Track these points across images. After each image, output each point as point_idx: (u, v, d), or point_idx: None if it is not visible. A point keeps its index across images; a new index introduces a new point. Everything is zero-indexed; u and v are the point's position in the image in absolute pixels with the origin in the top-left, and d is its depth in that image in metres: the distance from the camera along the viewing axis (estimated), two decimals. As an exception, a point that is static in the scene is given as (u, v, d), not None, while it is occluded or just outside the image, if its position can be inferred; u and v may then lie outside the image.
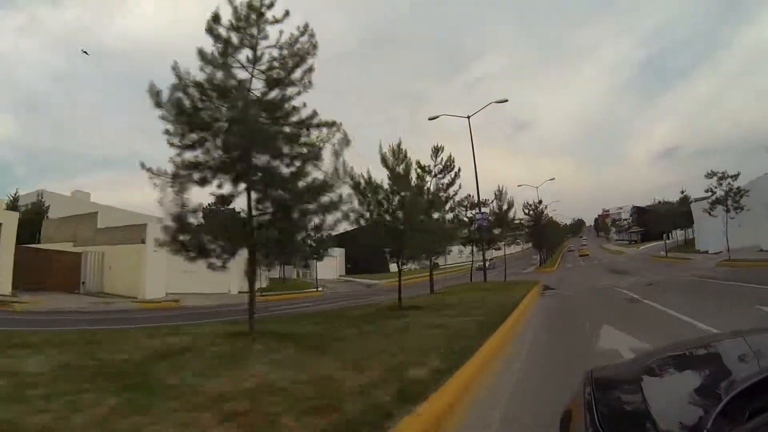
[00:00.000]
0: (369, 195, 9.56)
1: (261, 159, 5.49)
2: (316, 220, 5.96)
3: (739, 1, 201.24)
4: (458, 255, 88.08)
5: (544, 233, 37.50)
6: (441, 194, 14.43)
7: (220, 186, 5.55)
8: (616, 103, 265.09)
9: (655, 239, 59.67)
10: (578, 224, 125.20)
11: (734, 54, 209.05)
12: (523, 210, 36.22)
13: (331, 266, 42.26)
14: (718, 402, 0.83)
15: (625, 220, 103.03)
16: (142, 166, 5.30)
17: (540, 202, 37.00)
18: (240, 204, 5.74)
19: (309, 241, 7.69)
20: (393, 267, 40.64)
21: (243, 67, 6.01)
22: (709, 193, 22.47)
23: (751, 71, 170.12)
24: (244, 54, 6.04)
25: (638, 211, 77.38)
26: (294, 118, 6.06)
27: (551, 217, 42.83)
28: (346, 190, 6.56)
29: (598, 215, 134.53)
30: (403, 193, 9.71)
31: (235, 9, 5.88)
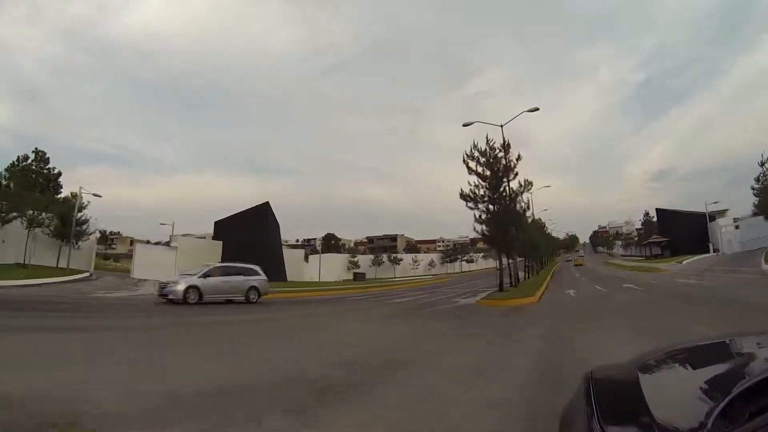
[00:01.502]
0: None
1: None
2: None
3: (737, 31, 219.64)
4: (411, 267, 72.09)
5: (510, 217, 19.23)
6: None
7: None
8: (611, 124, 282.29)
9: (687, 252, 49.54)
10: (572, 239, 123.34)
11: (730, 82, 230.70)
12: (466, 160, 19.00)
13: (166, 260, 33.18)
14: (719, 402, 0.87)
15: (630, 233, 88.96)
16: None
17: (507, 146, 19.01)
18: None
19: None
20: (301, 274, 37.92)
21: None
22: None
23: (745, 100, 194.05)
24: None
25: (660, 217, 62.87)
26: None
27: (526, 186, 21.59)
28: None
29: (594, 231, 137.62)
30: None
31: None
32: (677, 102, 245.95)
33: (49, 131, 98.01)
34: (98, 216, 34.32)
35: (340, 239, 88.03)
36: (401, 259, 70.92)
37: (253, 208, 41.39)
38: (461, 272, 73.86)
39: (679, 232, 57.74)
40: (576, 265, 58.51)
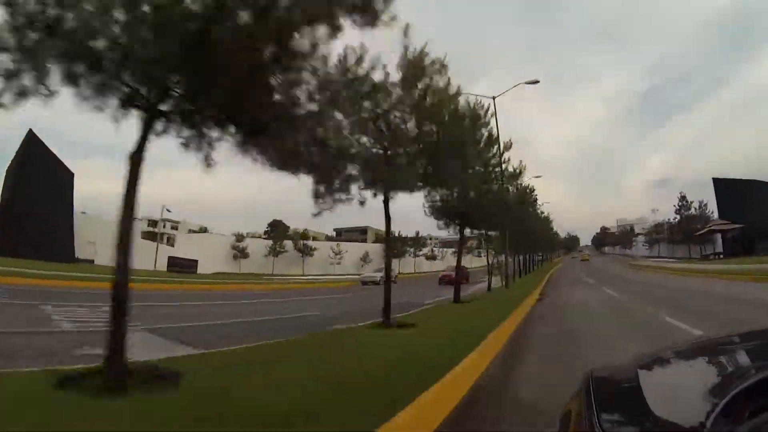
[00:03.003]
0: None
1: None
2: None
3: (741, 41, 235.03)
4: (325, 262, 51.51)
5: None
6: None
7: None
8: (613, 132, 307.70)
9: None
10: (572, 240, 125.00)
11: (732, 92, 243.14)
12: None
13: None
14: (719, 401, 0.86)
15: (649, 229, 64.00)
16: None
17: None
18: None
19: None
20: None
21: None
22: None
23: (747, 110, 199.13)
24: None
25: (723, 192, 37.55)
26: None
27: None
28: None
29: (597, 233, 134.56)
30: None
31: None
32: (678, 111, 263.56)
33: (58, 123, 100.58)
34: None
35: (288, 227, 74.41)
36: (315, 249, 44.31)
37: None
38: (414, 273, 55.72)
39: (758, 214, 36.88)
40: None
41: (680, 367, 1.47)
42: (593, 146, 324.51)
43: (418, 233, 64.86)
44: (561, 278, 31.62)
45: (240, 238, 49.86)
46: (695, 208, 57.27)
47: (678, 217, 58.83)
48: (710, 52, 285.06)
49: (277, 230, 73.19)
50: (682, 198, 59.10)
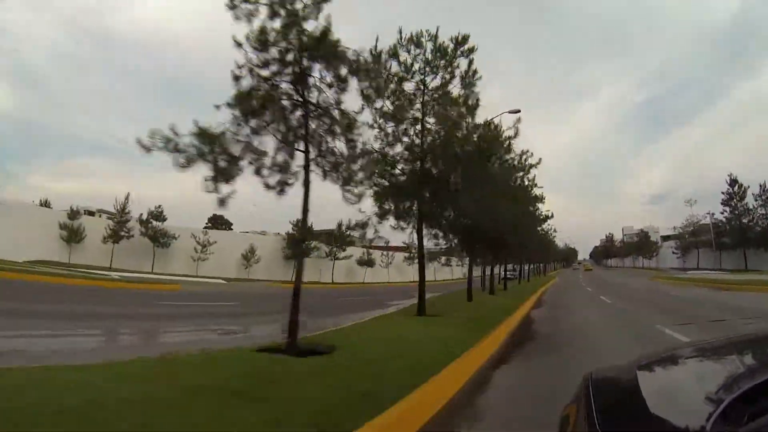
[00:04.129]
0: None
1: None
2: None
3: (738, 55, 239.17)
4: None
5: None
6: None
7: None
8: (610, 146, 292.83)
9: None
10: (571, 252, 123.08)
11: (730, 105, 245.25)
12: None
13: None
14: (719, 404, 0.91)
15: (710, 216, 44.35)
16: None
17: None
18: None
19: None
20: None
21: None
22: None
23: (744, 123, 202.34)
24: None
25: None
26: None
27: None
28: None
29: (597, 245, 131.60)
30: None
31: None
32: (676, 124, 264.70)
33: (51, 120, 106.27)
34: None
35: (231, 224, 63.76)
36: (173, 237, 24.16)
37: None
38: (324, 283, 37.47)
39: None
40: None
41: (680, 370, 1.51)
42: (589, 160, 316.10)
43: (340, 226, 42.04)
44: (564, 326, 11.30)
45: (73, 215, 34.19)
46: (754, 195, 40.29)
47: (726, 211, 41.65)
48: (708, 65, 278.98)
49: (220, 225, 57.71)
50: (733, 182, 40.41)
